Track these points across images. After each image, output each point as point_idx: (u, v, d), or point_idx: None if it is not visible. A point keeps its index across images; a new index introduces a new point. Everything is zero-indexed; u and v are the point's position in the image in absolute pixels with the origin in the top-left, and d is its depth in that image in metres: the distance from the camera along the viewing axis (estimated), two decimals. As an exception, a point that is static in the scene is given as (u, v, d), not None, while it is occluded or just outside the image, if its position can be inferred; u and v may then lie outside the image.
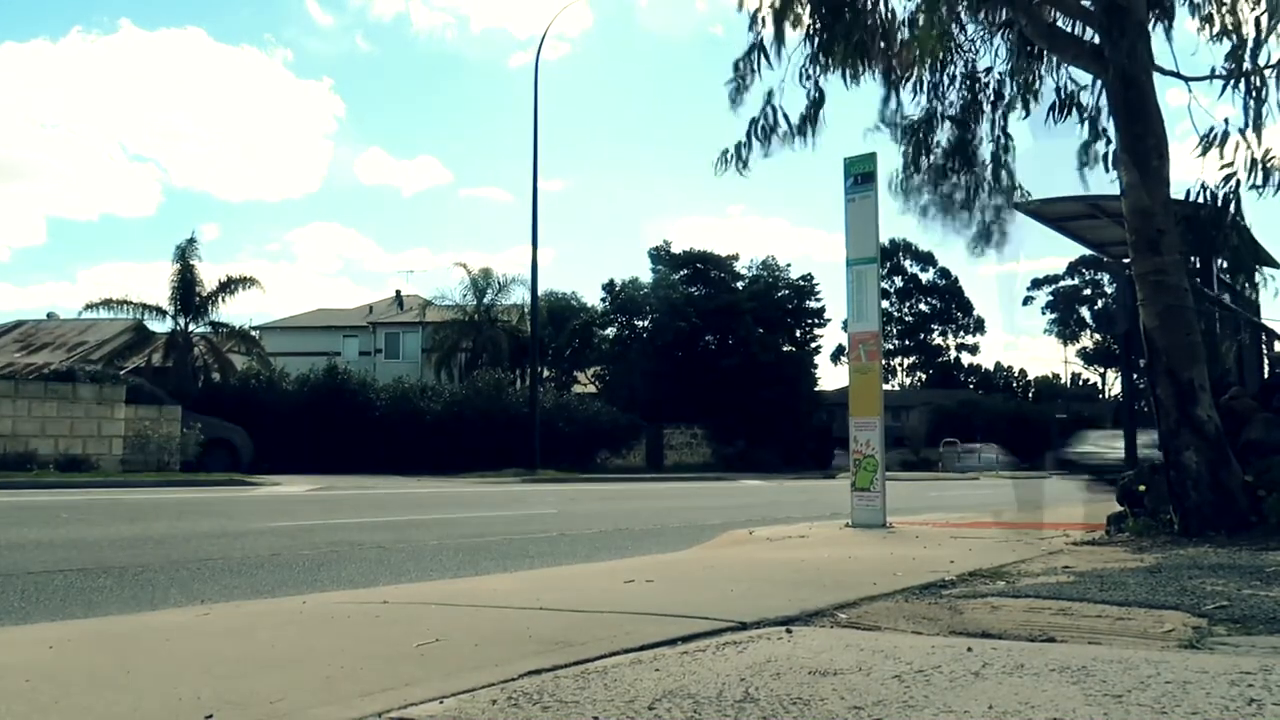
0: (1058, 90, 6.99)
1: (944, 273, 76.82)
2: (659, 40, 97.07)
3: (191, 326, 33.03)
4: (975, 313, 78.41)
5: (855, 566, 4.26)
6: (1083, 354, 75.71)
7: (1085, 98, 6.74)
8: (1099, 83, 6.19)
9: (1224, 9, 5.51)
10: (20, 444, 21.11)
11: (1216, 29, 5.51)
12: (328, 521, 8.96)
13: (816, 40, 6.36)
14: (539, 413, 28.64)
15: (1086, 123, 6.75)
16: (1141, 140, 5.68)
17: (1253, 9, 5.43)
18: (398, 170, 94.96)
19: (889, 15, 6.36)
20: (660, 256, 45.55)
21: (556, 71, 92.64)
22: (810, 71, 6.45)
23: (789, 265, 46.85)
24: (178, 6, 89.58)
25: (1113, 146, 6.20)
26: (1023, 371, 78.21)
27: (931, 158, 7.12)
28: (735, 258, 46.23)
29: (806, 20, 6.33)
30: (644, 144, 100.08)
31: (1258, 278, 7.10)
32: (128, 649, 2.49)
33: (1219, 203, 5.97)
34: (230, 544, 6.65)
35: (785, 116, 6.49)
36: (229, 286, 32.88)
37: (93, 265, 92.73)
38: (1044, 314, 75.95)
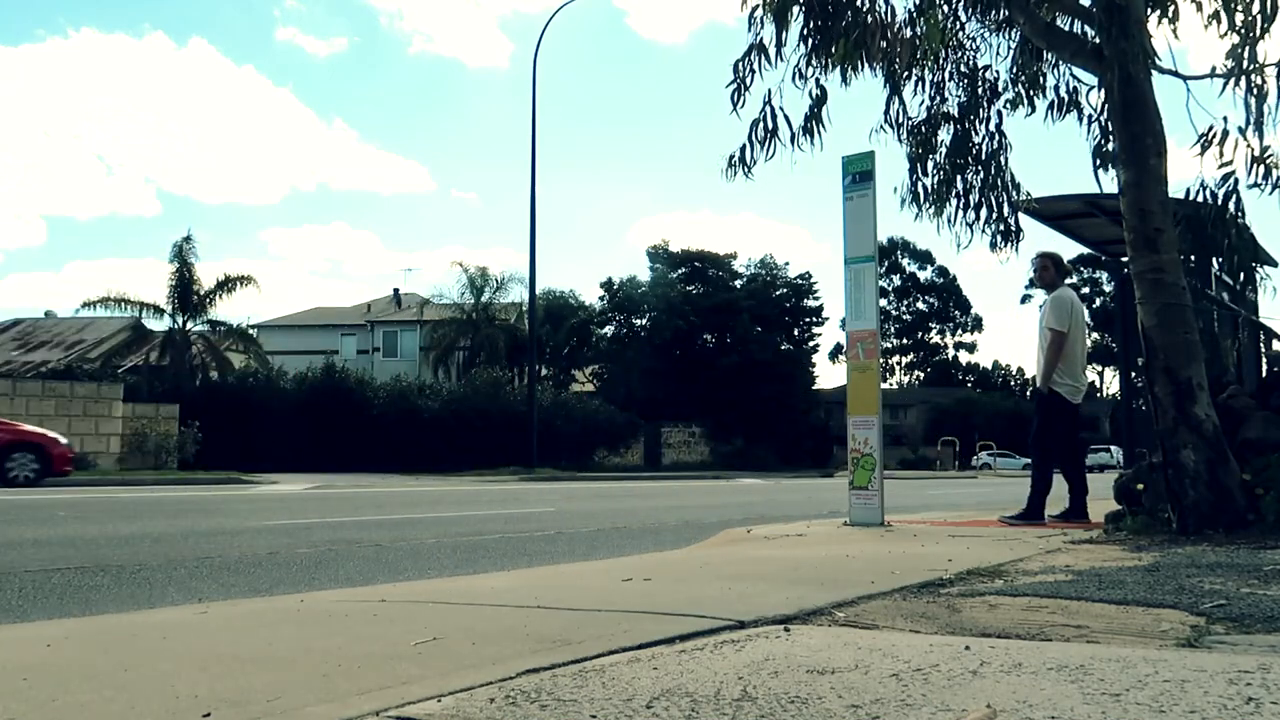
0: (1057, 89, 7.00)
1: (942, 271, 76.94)
2: (651, 38, 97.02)
3: (189, 325, 33.02)
4: (973, 311, 78.52)
5: (853, 565, 4.26)
6: (1081, 352, 75.74)
7: (1091, 97, 6.73)
8: (1101, 81, 6.19)
9: (1233, 3, 5.48)
10: (18, 442, 21.07)
11: (1224, 26, 5.49)
12: (325, 520, 8.96)
13: (814, 39, 6.34)
14: (537, 411, 28.63)
15: (1088, 122, 6.75)
16: (1139, 139, 5.68)
17: (1257, 5, 5.41)
18: (392, 171, 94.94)
19: (889, 13, 6.35)
20: (658, 255, 45.55)
21: (552, 67, 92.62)
22: (808, 71, 6.43)
23: (787, 264, 46.94)
24: (159, 10, 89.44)
25: (1112, 145, 6.20)
26: (1020, 370, 78.27)
27: (934, 157, 7.11)
28: (733, 256, 46.30)
29: (805, 17, 6.31)
30: (643, 141, 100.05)
31: (1257, 276, 7.10)
32: (125, 647, 2.49)
33: (1218, 201, 5.96)
34: (228, 542, 6.64)
35: (786, 118, 6.47)
36: (226, 285, 32.88)
37: (90, 262, 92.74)
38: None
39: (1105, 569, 3.96)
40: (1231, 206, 5.94)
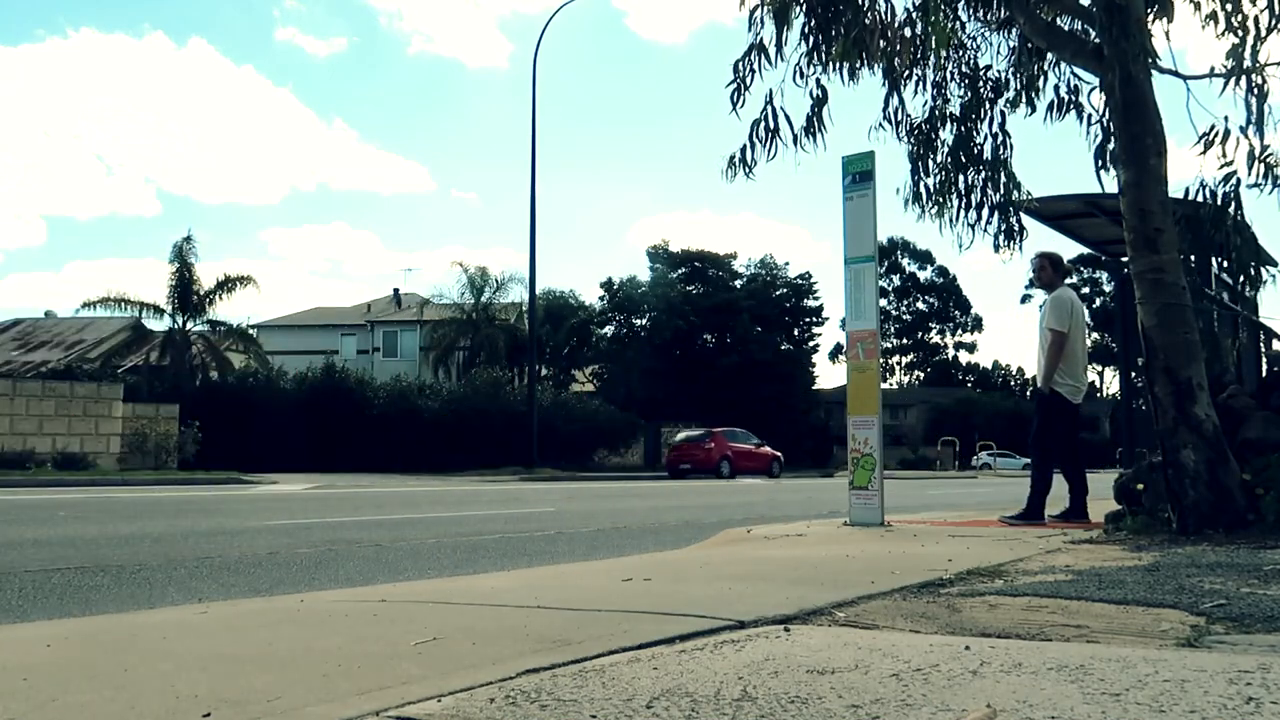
0: (1057, 89, 6.99)
1: (942, 271, 76.90)
2: (651, 39, 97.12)
3: (189, 325, 33.00)
4: (973, 311, 78.51)
5: (853, 565, 4.26)
6: (1081, 352, 75.75)
7: (1091, 97, 6.72)
8: (1101, 81, 6.19)
9: (1228, 5, 5.49)
10: (18, 442, 21.09)
11: (1221, 27, 5.49)
12: (325, 520, 8.96)
13: (814, 38, 6.34)
14: (537, 411, 28.62)
15: (1087, 121, 6.74)
16: (1139, 139, 5.68)
17: (1254, 5, 5.41)
18: (392, 171, 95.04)
19: (889, 12, 6.35)
20: (658, 255, 45.58)
21: (551, 67, 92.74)
22: (809, 70, 6.42)
23: (787, 264, 47.01)
24: (159, 10, 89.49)
25: (1111, 145, 6.19)
26: (1020, 370, 78.28)
27: (934, 157, 7.10)
28: (733, 256, 46.37)
29: (806, 15, 6.30)
30: (643, 141, 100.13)
31: (1263, 276, 7.08)
32: (125, 647, 2.49)
33: (1219, 201, 5.96)
34: (228, 542, 6.64)
35: (788, 117, 6.46)
36: (226, 285, 32.86)
37: (90, 262, 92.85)
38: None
39: (1105, 569, 3.96)
40: (1232, 207, 5.94)
